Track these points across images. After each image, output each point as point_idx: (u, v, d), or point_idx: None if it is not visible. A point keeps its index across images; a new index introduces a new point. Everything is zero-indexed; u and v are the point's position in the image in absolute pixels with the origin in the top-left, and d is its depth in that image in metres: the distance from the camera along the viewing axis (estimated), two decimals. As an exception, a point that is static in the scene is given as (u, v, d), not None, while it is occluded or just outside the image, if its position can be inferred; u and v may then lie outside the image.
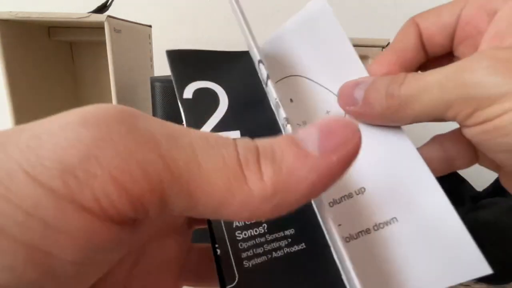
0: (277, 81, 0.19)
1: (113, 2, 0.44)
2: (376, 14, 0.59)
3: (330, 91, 0.18)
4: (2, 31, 0.38)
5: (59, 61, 0.49)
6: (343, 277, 0.13)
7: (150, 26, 0.50)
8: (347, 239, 0.14)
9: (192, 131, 0.09)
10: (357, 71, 0.18)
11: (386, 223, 0.14)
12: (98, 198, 0.07)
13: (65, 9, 0.38)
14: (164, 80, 0.38)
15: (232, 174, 0.08)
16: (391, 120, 0.16)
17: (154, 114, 0.40)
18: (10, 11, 0.37)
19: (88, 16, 0.37)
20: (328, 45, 0.18)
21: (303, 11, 0.19)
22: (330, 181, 0.09)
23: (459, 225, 0.14)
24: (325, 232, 0.14)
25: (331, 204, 0.15)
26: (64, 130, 0.08)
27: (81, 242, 0.07)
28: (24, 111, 0.42)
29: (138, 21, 0.46)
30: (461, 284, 0.14)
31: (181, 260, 0.15)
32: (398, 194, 0.15)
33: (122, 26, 0.40)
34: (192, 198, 0.08)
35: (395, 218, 0.14)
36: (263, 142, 0.09)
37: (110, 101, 0.39)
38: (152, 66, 0.52)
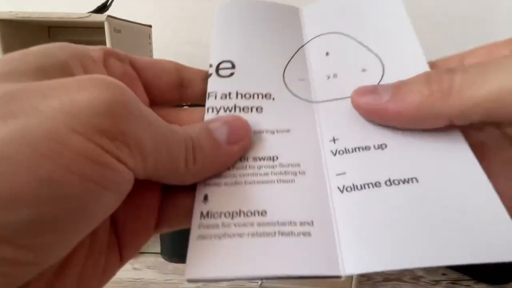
0: (318, 36, 0.19)
1: (113, 2, 0.44)
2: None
3: (372, 52, 0.17)
4: (2, 31, 0.38)
5: (59, 61, 0.49)
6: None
7: (150, 26, 0.50)
8: (348, 189, 0.13)
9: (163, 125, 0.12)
10: (412, 44, 0.17)
11: (403, 181, 0.13)
12: (120, 152, 0.10)
13: (65, 9, 0.38)
14: (164, 80, 0.38)
15: (182, 160, 0.13)
16: (429, 115, 0.13)
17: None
18: (10, 11, 0.37)
19: (88, 16, 0.37)
20: (384, 16, 0.18)
21: None
22: (232, 161, 0.14)
23: (496, 201, 0.12)
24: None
25: (340, 152, 0.15)
26: (95, 103, 0.10)
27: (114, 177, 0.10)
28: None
29: (138, 21, 0.46)
30: (460, 284, 0.14)
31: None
32: (425, 156, 0.14)
33: (122, 26, 0.40)
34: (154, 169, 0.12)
35: (415, 178, 0.13)
36: (194, 136, 0.13)
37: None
38: (152, 66, 0.52)
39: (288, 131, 0.15)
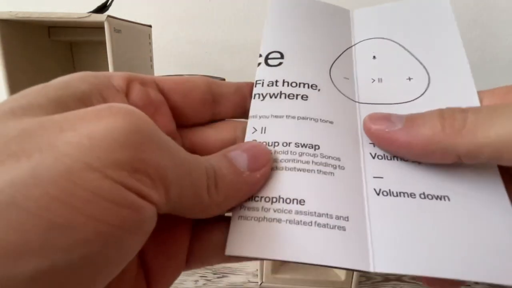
0: (367, 39, 0.19)
1: (113, 2, 0.44)
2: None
3: (420, 61, 0.18)
4: (2, 31, 0.38)
5: (59, 61, 0.49)
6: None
7: (150, 26, 0.50)
8: (384, 193, 0.14)
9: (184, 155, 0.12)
10: (459, 60, 0.17)
11: (436, 197, 0.14)
12: (141, 185, 0.10)
13: (65, 9, 0.38)
14: (164, 80, 0.38)
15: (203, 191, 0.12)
16: (438, 149, 0.13)
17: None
18: (10, 11, 0.37)
19: (88, 16, 0.37)
20: (434, 28, 0.18)
21: None
22: (256, 188, 0.14)
23: None
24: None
25: (379, 157, 0.15)
26: (113, 133, 0.09)
27: (134, 216, 0.09)
28: (24, 111, 0.42)
29: (138, 21, 0.46)
30: (461, 284, 0.14)
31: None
32: (459, 177, 0.14)
33: (122, 26, 0.40)
34: (179, 199, 0.11)
35: (447, 196, 0.14)
36: (215, 165, 0.13)
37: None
38: (152, 66, 0.52)
39: (331, 122, 0.16)
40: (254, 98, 0.16)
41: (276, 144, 0.15)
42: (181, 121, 0.16)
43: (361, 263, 0.13)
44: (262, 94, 0.16)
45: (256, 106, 0.16)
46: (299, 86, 0.16)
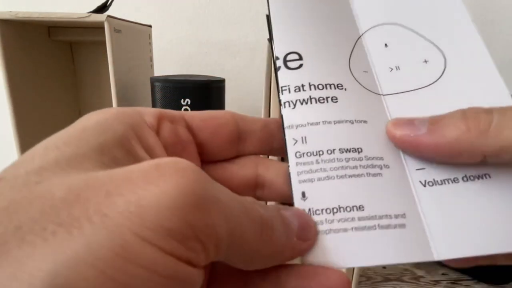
0: (373, 27, 0.19)
1: (113, 2, 0.44)
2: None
3: (432, 43, 0.18)
4: (2, 31, 0.38)
5: (59, 61, 0.49)
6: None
7: (150, 26, 0.50)
8: (430, 183, 0.15)
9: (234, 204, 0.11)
10: (470, 33, 0.17)
11: (478, 177, 0.14)
12: (192, 253, 0.10)
13: (65, 9, 0.38)
14: (164, 80, 0.38)
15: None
16: (465, 150, 0.14)
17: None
18: (10, 11, 0.37)
19: (88, 16, 0.37)
20: (440, 5, 0.18)
21: None
22: (295, 257, 0.13)
23: None
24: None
25: None
26: (162, 200, 0.09)
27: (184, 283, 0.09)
28: (24, 111, 0.42)
29: (138, 21, 0.46)
30: (461, 284, 0.14)
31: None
32: None
33: (122, 26, 0.40)
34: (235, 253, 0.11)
35: (488, 174, 0.14)
36: (266, 216, 0.12)
37: (110, 101, 0.39)
38: (152, 66, 0.52)
39: (365, 122, 0.16)
40: (284, 107, 0.16)
41: (321, 153, 0.15)
42: (206, 158, 0.16)
43: (425, 255, 0.13)
44: (292, 102, 0.16)
45: (289, 116, 0.16)
46: (326, 88, 0.16)
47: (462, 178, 0.14)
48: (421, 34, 0.18)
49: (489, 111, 0.14)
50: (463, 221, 0.14)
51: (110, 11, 0.41)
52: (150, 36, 0.51)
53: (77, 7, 0.59)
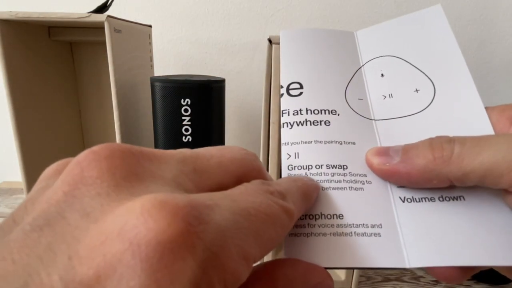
0: (373, 59, 0.21)
1: (113, 2, 0.44)
2: (376, 14, 0.59)
3: (424, 73, 0.19)
4: (2, 31, 0.38)
5: (59, 61, 0.49)
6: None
7: (150, 26, 0.50)
8: (408, 200, 0.16)
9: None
10: (459, 66, 0.19)
11: (453, 198, 0.16)
12: None
13: (65, 9, 0.38)
14: (164, 80, 0.38)
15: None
16: (433, 176, 0.15)
17: (154, 114, 0.40)
18: (10, 11, 0.37)
19: (88, 16, 0.37)
20: (433, 39, 0.20)
21: (416, 12, 0.22)
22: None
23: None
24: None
25: None
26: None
27: None
28: (24, 111, 0.42)
29: (138, 21, 0.46)
30: (461, 284, 0.14)
31: None
32: None
33: (122, 26, 0.40)
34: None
35: (462, 196, 0.16)
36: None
37: (110, 101, 0.39)
38: (152, 66, 0.52)
39: (354, 143, 0.18)
40: (283, 127, 0.18)
41: (310, 167, 0.17)
42: None
43: (398, 261, 0.15)
44: (289, 123, 0.18)
45: (286, 134, 0.18)
46: (321, 113, 0.18)
47: (438, 198, 0.16)
48: (415, 65, 0.20)
49: (451, 141, 0.15)
50: (436, 235, 0.15)
51: (110, 11, 0.41)
52: (150, 36, 0.51)
53: (77, 7, 0.60)
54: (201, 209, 0.09)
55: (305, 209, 0.15)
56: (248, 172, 0.13)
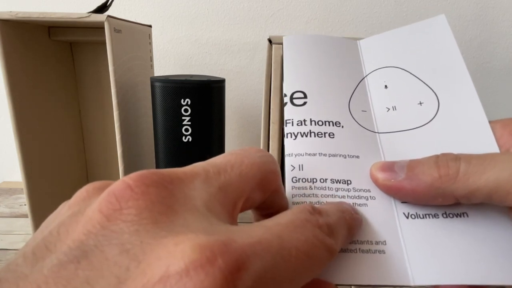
0: (377, 69, 0.21)
1: (113, 2, 0.44)
2: (376, 14, 0.59)
3: (428, 86, 0.19)
4: (2, 31, 0.38)
5: (59, 61, 0.49)
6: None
7: (150, 26, 0.50)
8: (412, 216, 0.16)
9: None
10: (463, 78, 0.19)
11: (456, 215, 0.16)
12: None
13: (65, 9, 0.38)
14: (164, 80, 0.38)
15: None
16: (439, 194, 0.15)
17: (154, 114, 0.40)
18: (10, 11, 0.37)
19: (88, 16, 0.37)
20: (437, 50, 0.20)
21: (419, 22, 0.21)
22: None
23: None
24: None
25: None
26: None
27: None
28: (24, 111, 0.42)
29: (138, 21, 0.46)
30: None
31: None
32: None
33: (122, 26, 0.40)
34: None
35: (466, 213, 0.16)
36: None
37: (110, 101, 0.39)
38: (152, 66, 0.52)
39: (358, 157, 0.17)
40: (286, 137, 0.18)
41: (314, 180, 0.17)
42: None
43: (402, 279, 0.14)
44: (293, 133, 0.18)
45: (290, 145, 0.18)
46: (325, 125, 0.18)
47: (442, 215, 0.16)
48: (418, 77, 0.20)
49: (457, 159, 0.15)
50: (440, 252, 0.15)
51: (110, 11, 0.41)
52: (150, 36, 0.51)
53: (77, 7, 0.60)
54: (240, 252, 0.09)
55: (346, 245, 0.15)
56: (266, 175, 0.14)
